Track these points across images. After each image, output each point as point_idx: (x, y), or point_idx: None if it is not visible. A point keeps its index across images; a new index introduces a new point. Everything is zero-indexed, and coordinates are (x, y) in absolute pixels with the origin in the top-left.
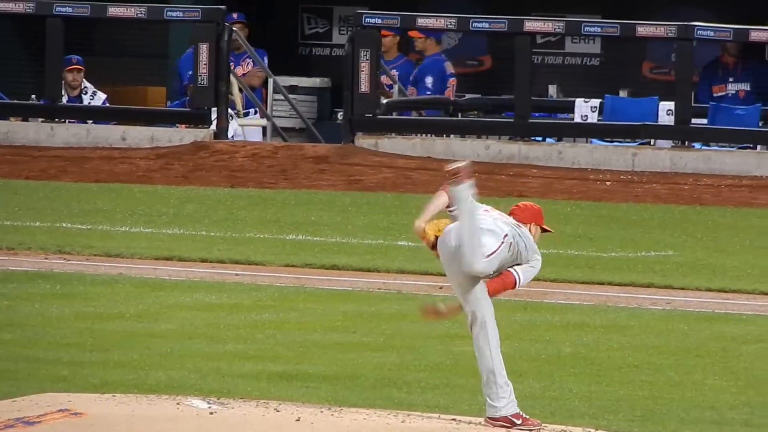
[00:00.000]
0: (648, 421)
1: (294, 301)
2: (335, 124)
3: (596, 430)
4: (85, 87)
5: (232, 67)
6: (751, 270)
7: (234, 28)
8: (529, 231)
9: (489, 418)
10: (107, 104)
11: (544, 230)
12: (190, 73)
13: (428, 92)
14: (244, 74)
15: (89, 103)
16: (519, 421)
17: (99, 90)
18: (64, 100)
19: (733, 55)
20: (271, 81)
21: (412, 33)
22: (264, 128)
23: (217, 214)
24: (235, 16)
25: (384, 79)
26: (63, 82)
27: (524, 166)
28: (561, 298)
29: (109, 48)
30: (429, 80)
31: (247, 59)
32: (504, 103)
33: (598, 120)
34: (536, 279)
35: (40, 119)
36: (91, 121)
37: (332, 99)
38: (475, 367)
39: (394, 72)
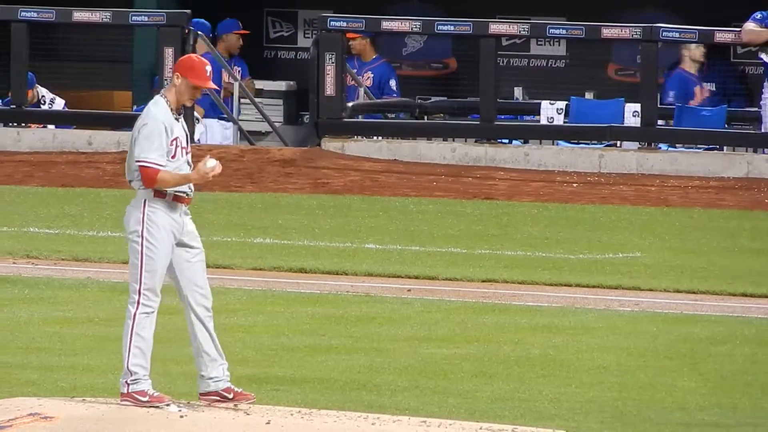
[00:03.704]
0: (618, 423)
1: (262, 305)
2: (301, 128)
3: None
4: (42, 96)
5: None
6: (718, 271)
7: (200, 33)
8: (174, 84)
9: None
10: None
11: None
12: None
13: (394, 95)
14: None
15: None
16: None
17: (58, 95)
18: None
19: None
20: (236, 84)
21: (349, 35)
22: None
23: None
24: (239, 24)
25: (351, 81)
26: None
27: (491, 169)
28: (529, 300)
29: (74, 53)
30: (393, 83)
31: (236, 67)
32: (470, 106)
33: (564, 122)
34: (504, 281)
35: (8, 124)
36: (53, 126)
37: (298, 102)
38: (444, 369)
39: (369, 74)
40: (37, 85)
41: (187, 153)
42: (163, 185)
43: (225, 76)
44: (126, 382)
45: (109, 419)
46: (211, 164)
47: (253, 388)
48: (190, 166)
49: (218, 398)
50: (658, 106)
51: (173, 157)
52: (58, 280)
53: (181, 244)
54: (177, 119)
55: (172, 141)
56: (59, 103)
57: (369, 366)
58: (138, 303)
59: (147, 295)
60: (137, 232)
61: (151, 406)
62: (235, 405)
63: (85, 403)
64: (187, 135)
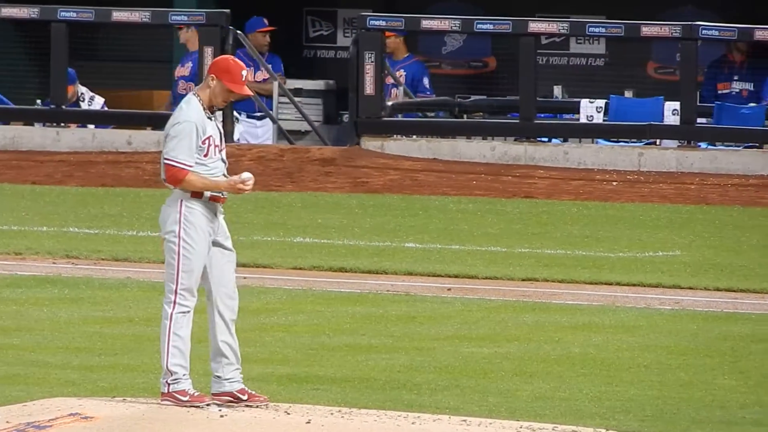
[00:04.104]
0: (658, 421)
1: (302, 304)
2: (341, 127)
3: (606, 430)
4: (82, 93)
5: (252, 73)
6: (758, 269)
7: (239, 33)
8: (208, 85)
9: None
10: (106, 108)
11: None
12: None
13: (429, 93)
14: (264, 80)
15: (88, 107)
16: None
17: (98, 94)
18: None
19: (742, 52)
20: (276, 84)
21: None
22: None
23: None
24: (265, 21)
25: (389, 80)
26: None
27: (530, 167)
28: (569, 298)
29: (113, 52)
30: (426, 81)
31: (268, 65)
32: (509, 104)
33: (604, 120)
34: (544, 279)
35: (46, 124)
36: (92, 126)
37: (337, 101)
38: (484, 368)
39: (402, 72)
40: (77, 82)
41: (220, 151)
42: (189, 187)
43: (259, 74)
44: (166, 382)
45: (150, 419)
46: (247, 178)
47: (293, 388)
48: (225, 163)
49: (231, 399)
50: (698, 104)
51: (206, 155)
52: (98, 279)
53: (215, 244)
54: (210, 118)
55: (204, 140)
56: (98, 101)
57: (409, 365)
58: (174, 303)
59: (183, 295)
60: (174, 232)
61: (191, 406)
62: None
63: (125, 403)
64: (220, 133)
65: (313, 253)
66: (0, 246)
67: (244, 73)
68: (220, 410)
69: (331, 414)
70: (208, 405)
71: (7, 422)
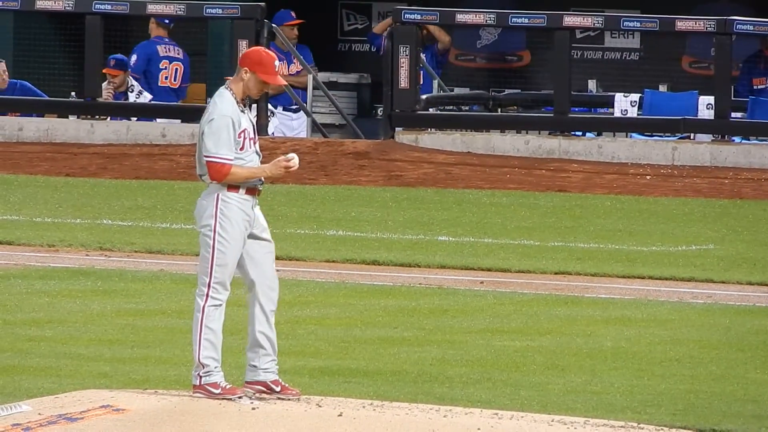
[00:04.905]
0: (690, 415)
1: (335, 297)
2: (375, 120)
3: (638, 424)
4: (132, 86)
5: (284, 65)
6: None
7: (273, 25)
8: (241, 78)
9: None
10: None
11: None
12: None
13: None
14: (297, 72)
15: (135, 100)
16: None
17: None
18: (104, 95)
19: None
20: (310, 77)
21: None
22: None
23: None
24: (293, 14)
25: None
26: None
27: (564, 161)
28: (602, 292)
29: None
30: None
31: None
32: (543, 98)
33: (638, 114)
34: (577, 273)
35: (80, 116)
36: (135, 119)
37: (372, 95)
38: (516, 361)
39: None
40: (130, 73)
41: (255, 143)
42: (234, 179)
43: (292, 67)
44: (198, 374)
45: (181, 411)
46: (291, 156)
47: (325, 380)
48: (260, 156)
49: (264, 389)
50: (732, 98)
51: (242, 149)
52: (131, 272)
53: (252, 237)
54: (243, 111)
55: (240, 133)
56: (146, 97)
57: (441, 358)
58: (207, 296)
59: (216, 288)
60: (210, 226)
61: (223, 398)
62: (279, 398)
63: (157, 396)
64: (254, 126)
65: (346, 246)
66: (34, 238)
67: (277, 63)
68: (251, 403)
69: (363, 407)
70: (240, 397)
71: (39, 414)
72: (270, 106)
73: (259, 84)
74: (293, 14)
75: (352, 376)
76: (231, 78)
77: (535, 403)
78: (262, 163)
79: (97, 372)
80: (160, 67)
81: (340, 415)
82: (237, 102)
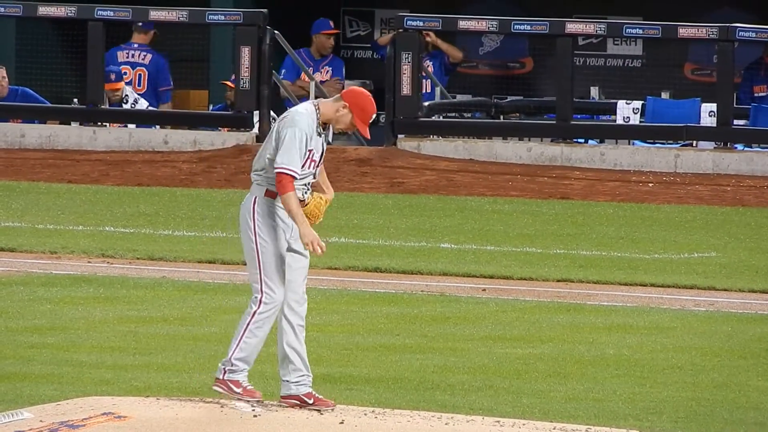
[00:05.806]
0: (692, 423)
1: (337, 304)
2: (377, 127)
3: None
4: (126, 96)
5: (311, 72)
6: None
7: (275, 32)
8: (337, 108)
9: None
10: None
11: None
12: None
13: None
14: (322, 81)
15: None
16: (311, 401)
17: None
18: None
19: None
20: (312, 84)
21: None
22: None
23: None
24: (331, 23)
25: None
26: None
27: (567, 168)
28: (604, 299)
29: None
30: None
31: (326, 66)
32: (545, 105)
33: (640, 122)
34: (579, 280)
35: (82, 123)
36: (133, 125)
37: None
38: (518, 369)
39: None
40: (125, 83)
41: (316, 167)
42: (285, 199)
43: (318, 75)
44: (224, 368)
45: (183, 419)
46: (324, 248)
47: (327, 387)
48: (315, 178)
49: (298, 402)
50: (734, 106)
51: (302, 166)
52: (133, 279)
53: (289, 249)
54: (320, 134)
55: (307, 152)
56: (142, 104)
57: (443, 366)
58: (260, 302)
59: (268, 293)
60: (250, 229)
61: (241, 399)
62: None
63: (159, 403)
64: (322, 151)
65: (348, 253)
66: (36, 245)
67: (374, 116)
68: (253, 410)
69: (365, 414)
70: (258, 401)
71: (41, 421)
72: (272, 113)
73: (349, 124)
74: (332, 23)
75: (354, 383)
76: (323, 100)
77: (537, 410)
78: (312, 185)
79: (99, 379)
80: (121, 72)
81: (341, 423)
82: (318, 123)
